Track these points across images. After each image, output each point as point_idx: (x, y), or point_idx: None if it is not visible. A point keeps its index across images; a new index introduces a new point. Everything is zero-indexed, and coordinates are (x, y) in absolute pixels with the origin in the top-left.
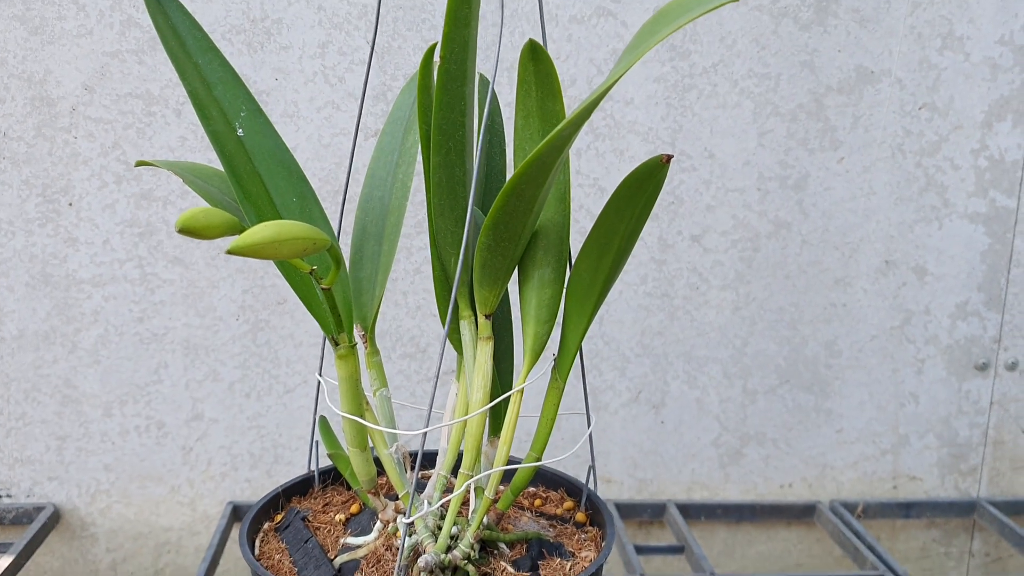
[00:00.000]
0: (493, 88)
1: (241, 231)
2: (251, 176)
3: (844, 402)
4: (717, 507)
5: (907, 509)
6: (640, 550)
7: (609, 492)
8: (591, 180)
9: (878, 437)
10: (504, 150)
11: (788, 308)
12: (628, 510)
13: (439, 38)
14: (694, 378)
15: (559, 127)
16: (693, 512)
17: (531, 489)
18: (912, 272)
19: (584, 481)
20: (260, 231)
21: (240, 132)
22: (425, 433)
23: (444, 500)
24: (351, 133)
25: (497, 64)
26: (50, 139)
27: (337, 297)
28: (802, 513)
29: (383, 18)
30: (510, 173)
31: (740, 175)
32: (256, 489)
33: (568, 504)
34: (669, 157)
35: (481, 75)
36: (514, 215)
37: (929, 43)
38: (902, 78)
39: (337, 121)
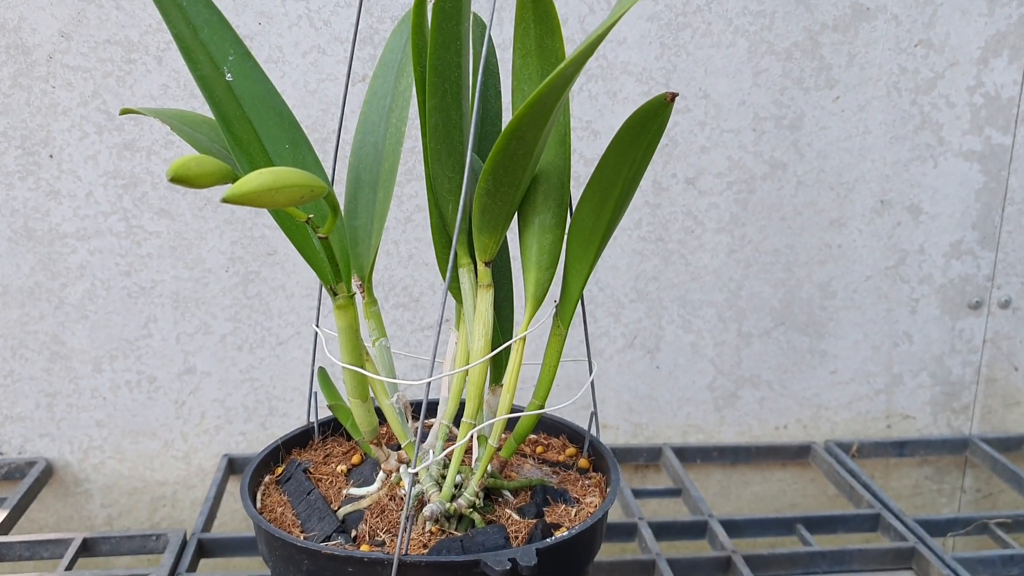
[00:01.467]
0: (490, 27)
1: (234, 179)
2: (241, 122)
3: (838, 343)
4: (712, 450)
5: (900, 448)
6: (637, 494)
7: (605, 437)
8: (584, 123)
9: (872, 377)
10: (499, 92)
11: (783, 250)
12: (624, 454)
13: None
14: (689, 322)
15: (562, 65)
16: (689, 455)
17: (532, 436)
18: (907, 211)
19: (586, 427)
20: (255, 179)
21: (229, 77)
22: (429, 383)
23: (448, 450)
24: (338, 78)
25: (494, 7)
26: (27, 89)
27: (335, 246)
28: (797, 454)
29: None
30: (506, 116)
31: (735, 115)
32: (251, 442)
33: (570, 451)
34: (673, 95)
35: (474, 15)
36: (514, 159)
37: None
38: (898, 14)
39: (323, 66)
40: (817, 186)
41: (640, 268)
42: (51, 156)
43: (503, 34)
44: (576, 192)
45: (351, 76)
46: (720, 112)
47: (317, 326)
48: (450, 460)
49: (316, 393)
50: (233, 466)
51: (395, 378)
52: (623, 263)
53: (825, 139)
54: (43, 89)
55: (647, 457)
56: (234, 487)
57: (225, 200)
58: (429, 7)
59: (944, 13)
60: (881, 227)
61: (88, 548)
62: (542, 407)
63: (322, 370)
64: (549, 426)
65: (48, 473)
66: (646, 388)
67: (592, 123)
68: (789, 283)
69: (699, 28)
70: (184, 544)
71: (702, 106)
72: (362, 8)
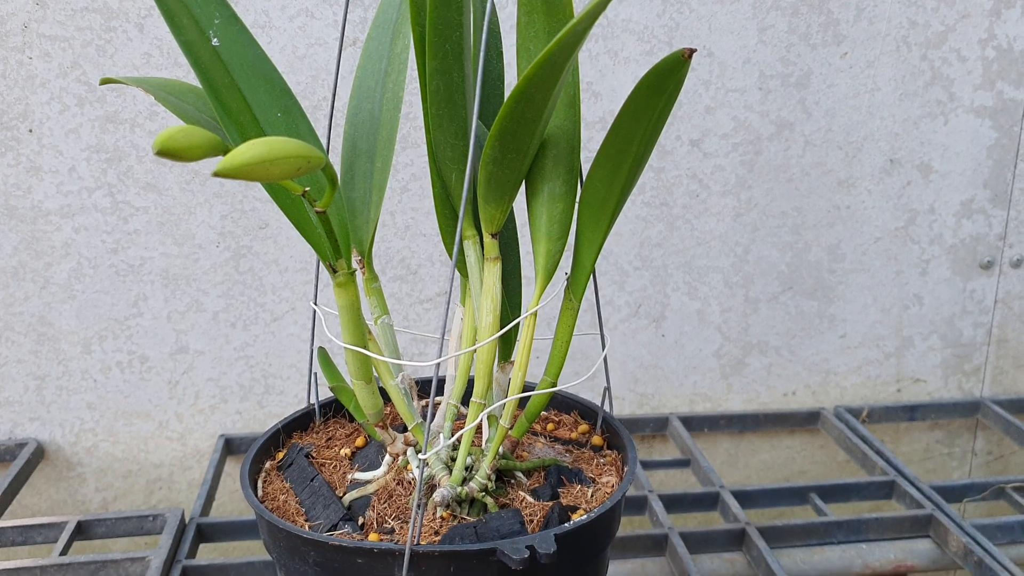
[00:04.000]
0: None
1: (225, 151)
2: (230, 90)
3: (847, 307)
4: (720, 418)
5: (911, 412)
6: (645, 465)
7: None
8: (584, 85)
9: (882, 341)
10: (500, 52)
11: (790, 212)
12: (630, 425)
13: None
14: (695, 289)
15: (576, 19)
16: (696, 424)
17: (543, 413)
18: (917, 170)
19: (599, 403)
20: (249, 150)
21: (215, 42)
22: (438, 364)
23: (458, 434)
24: (327, 43)
25: None
26: (2, 60)
27: (333, 220)
28: (806, 420)
29: None
30: (508, 77)
31: (740, 74)
32: (247, 421)
33: (583, 427)
34: (691, 51)
35: None
36: (522, 123)
37: None
38: None
39: (312, 30)
40: (825, 146)
41: (644, 234)
42: (30, 131)
43: None
44: (581, 159)
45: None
46: (725, 71)
47: (315, 303)
48: (459, 442)
49: (316, 374)
50: (230, 446)
51: (399, 357)
52: (626, 229)
53: (833, 97)
54: (19, 60)
55: (653, 427)
56: (231, 468)
57: (216, 174)
58: None
59: None
60: (890, 187)
61: (83, 531)
62: (555, 385)
63: (323, 351)
64: (559, 402)
65: (39, 455)
66: (651, 357)
67: (593, 84)
68: (797, 246)
69: None
70: (183, 526)
71: (706, 65)
72: None
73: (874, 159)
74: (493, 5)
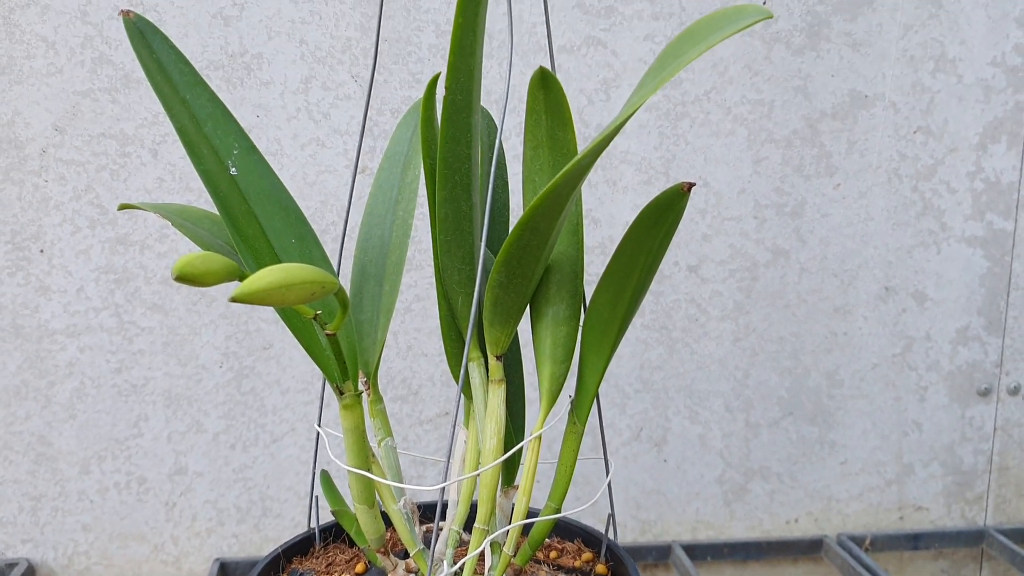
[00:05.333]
0: (503, 118)
1: (241, 277)
2: (247, 217)
3: (847, 432)
4: (723, 546)
5: (915, 540)
6: None
7: None
8: (584, 211)
9: (882, 467)
10: (506, 182)
11: (789, 338)
12: (632, 553)
13: (426, 71)
14: (696, 413)
15: (578, 156)
16: (699, 552)
17: (546, 540)
18: (912, 298)
19: (603, 531)
20: (266, 276)
21: (233, 171)
22: (443, 489)
23: (460, 562)
24: (337, 170)
25: (508, 93)
26: (19, 183)
27: (342, 343)
28: (809, 548)
29: (367, 52)
30: (514, 207)
31: (736, 203)
32: (244, 544)
33: (587, 555)
34: (690, 185)
35: (481, 107)
36: (528, 250)
37: (922, 66)
38: (896, 102)
39: (322, 158)
40: (820, 273)
41: (644, 357)
42: (42, 251)
43: (507, 121)
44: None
45: (351, 168)
46: (721, 200)
47: (319, 425)
48: (462, 570)
49: (317, 497)
50: (225, 570)
51: (402, 481)
52: (627, 352)
53: (827, 226)
54: (35, 183)
55: (656, 555)
56: None
57: (234, 299)
58: (439, 100)
59: (941, 100)
60: (886, 314)
61: None
62: (559, 511)
63: (325, 474)
64: (562, 529)
65: (30, 573)
66: (653, 482)
67: (592, 211)
68: (796, 371)
69: (698, 117)
70: None
71: (702, 194)
72: (359, 102)
73: (869, 286)
74: (501, 143)
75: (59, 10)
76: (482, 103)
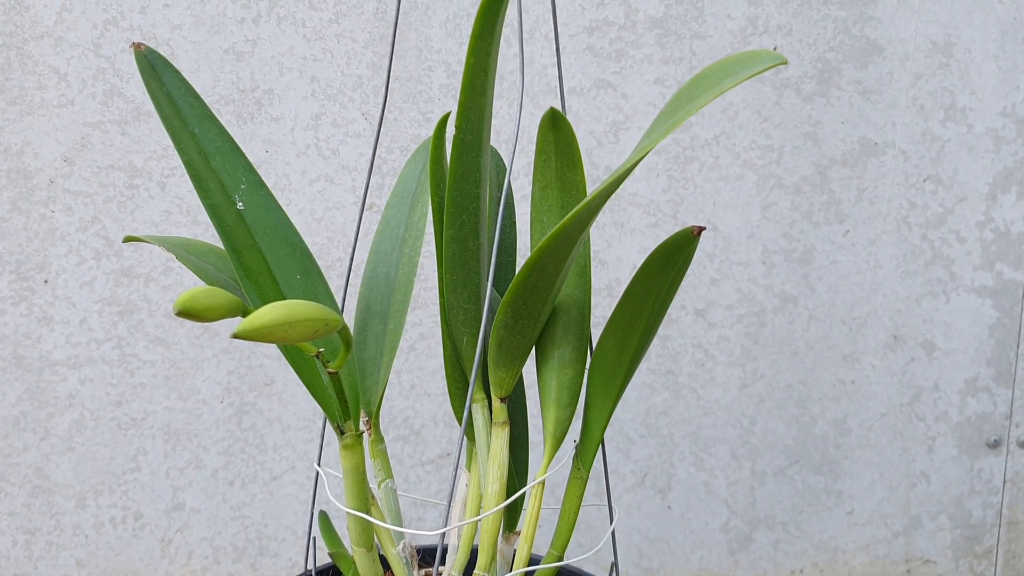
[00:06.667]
0: (513, 158)
1: (245, 312)
2: (252, 252)
3: (854, 483)
4: None
5: None
6: None
7: None
8: (591, 253)
9: (889, 519)
10: (514, 222)
11: (796, 385)
12: None
13: (436, 110)
14: (701, 460)
15: (588, 198)
16: None
17: None
18: (920, 347)
19: None
20: (269, 312)
21: (240, 205)
22: (444, 533)
23: None
24: (345, 207)
25: (518, 135)
26: (26, 213)
27: (344, 381)
28: None
29: (378, 90)
30: (521, 247)
31: (744, 248)
32: None
33: None
34: (700, 229)
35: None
36: (535, 291)
37: (932, 115)
38: (906, 150)
39: (330, 195)
40: (829, 320)
41: (650, 402)
42: (46, 281)
43: (516, 161)
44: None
45: (359, 205)
46: (729, 245)
47: (319, 465)
48: None
49: (315, 538)
50: None
51: (401, 524)
52: (632, 396)
53: (836, 273)
54: (42, 214)
55: None
56: None
57: (236, 335)
58: (448, 139)
59: (951, 149)
60: (894, 363)
61: None
62: (561, 558)
63: (323, 515)
64: None
65: None
66: (657, 530)
67: (599, 253)
68: (803, 420)
69: (707, 161)
70: None
71: (710, 238)
72: (369, 140)
73: (878, 335)
74: (509, 183)
75: (72, 43)
76: (491, 143)
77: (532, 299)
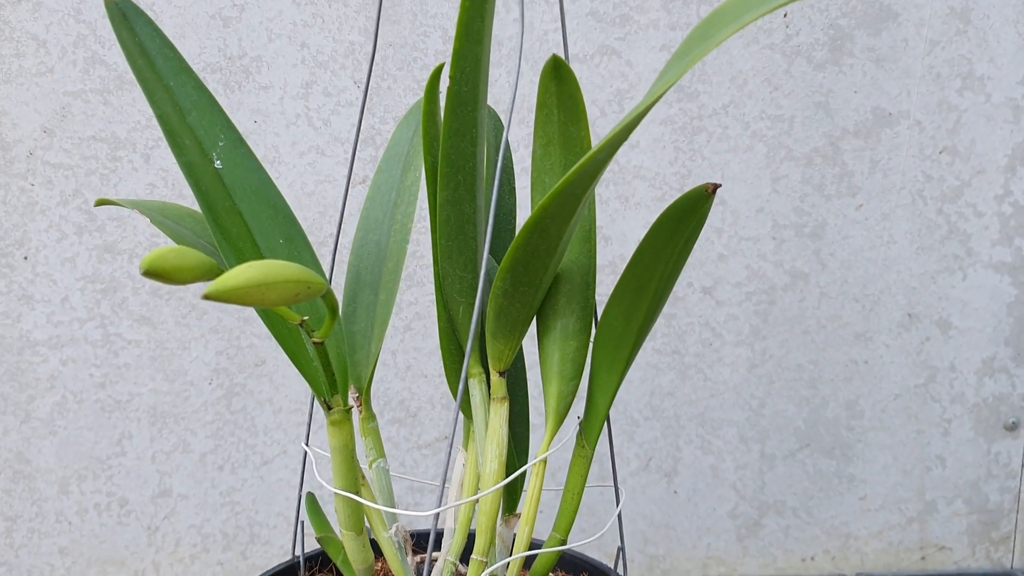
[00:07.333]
0: (511, 110)
1: (219, 275)
2: (231, 214)
3: (867, 467)
4: None
5: None
6: None
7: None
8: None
9: (904, 504)
10: (513, 188)
11: (807, 365)
12: None
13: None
14: (708, 443)
15: (595, 149)
16: None
17: (549, 574)
18: (936, 326)
19: (612, 566)
20: (244, 272)
21: (218, 164)
22: (438, 514)
23: None
24: (336, 180)
25: (516, 89)
26: (4, 186)
27: (331, 353)
28: None
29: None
30: (520, 214)
31: (753, 223)
32: (229, 572)
33: None
34: (715, 187)
35: (488, 107)
36: (536, 255)
37: (949, 84)
38: (921, 120)
39: (321, 167)
40: (841, 298)
41: (655, 383)
42: (25, 258)
43: (515, 132)
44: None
45: (352, 178)
46: (738, 219)
47: (307, 444)
48: None
49: (303, 522)
50: None
51: (394, 506)
52: (636, 377)
53: (848, 249)
54: (21, 187)
55: None
56: None
57: (207, 296)
58: (443, 92)
59: (968, 120)
60: (909, 342)
61: None
62: (564, 542)
63: (311, 496)
64: (567, 563)
65: None
66: (663, 516)
67: (603, 228)
68: (814, 401)
69: (715, 132)
70: None
71: (719, 212)
72: (365, 107)
73: (892, 313)
74: (507, 142)
75: (52, 8)
76: (512, 95)
77: (533, 264)
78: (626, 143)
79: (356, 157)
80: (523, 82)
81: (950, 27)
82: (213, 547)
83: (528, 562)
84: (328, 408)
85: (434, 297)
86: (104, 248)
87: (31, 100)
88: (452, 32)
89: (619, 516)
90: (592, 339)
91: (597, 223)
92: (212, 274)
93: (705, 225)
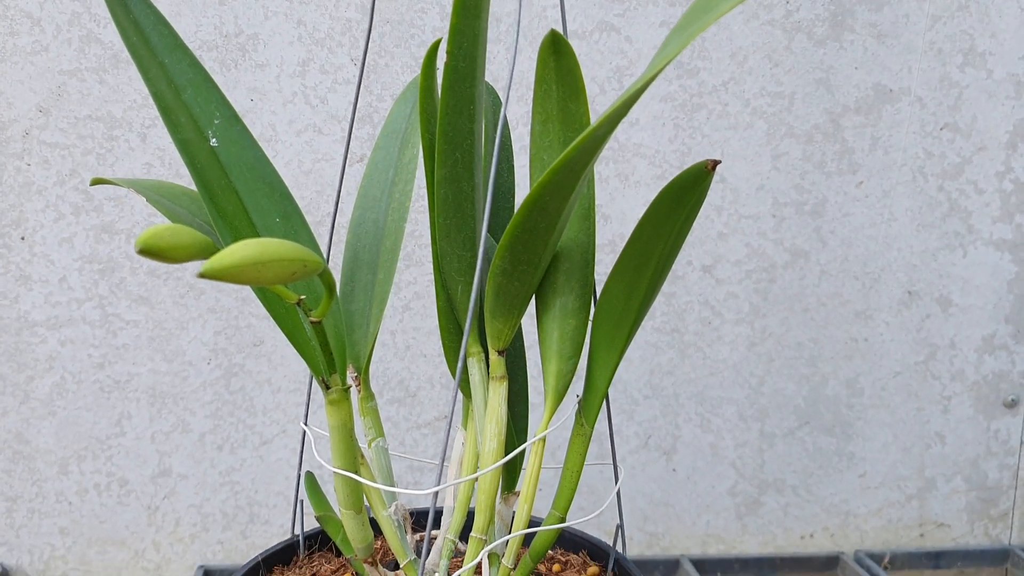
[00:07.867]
0: (509, 86)
1: (215, 253)
2: (226, 192)
3: (867, 444)
4: (734, 561)
5: (936, 558)
6: None
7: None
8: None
9: (903, 481)
10: (512, 166)
11: (807, 343)
12: (639, 567)
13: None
14: (707, 421)
15: (594, 125)
16: (709, 567)
17: (548, 552)
18: (936, 303)
19: (611, 543)
20: (240, 250)
21: (213, 142)
22: (436, 492)
23: (456, 573)
24: (334, 159)
25: (513, 65)
26: (0, 166)
27: (328, 332)
28: (825, 565)
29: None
30: (519, 192)
31: (753, 200)
32: (229, 552)
33: (592, 569)
34: (715, 163)
35: (487, 84)
36: (535, 233)
37: (950, 59)
38: (922, 96)
39: (319, 146)
40: (841, 276)
41: (654, 361)
42: (23, 238)
43: (513, 110)
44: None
45: (348, 155)
46: (738, 197)
47: (305, 423)
48: None
49: (302, 501)
50: None
51: (393, 485)
52: (636, 356)
53: (849, 226)
54: (17, 167)
55: (664, 570)
56: None
57: (202, 275)
58: (440, 68)
59: (970, 96)
60: (909, 320)
61: None
62: (563, 520)
63: (310, 476)
64: (566, 540)
65: None
66: (662, 494)
67: (603, 207)
68: (814, 379)
69: (715, 109)
70: None
71: (719, 190)
72: (362, 85)
73: (892, 291)
74: (505, 118)
75: None
76: (510, 70)
77: (532, 242)
78: (625, 120)
79: (353, 135)
80: (521, 59)
81: (952, 2)
82: (213, 526)
83: (527, 540)
84: (326, 388)
85: (432, 276)
86: (101, 228)
87: (26, 79)
88: (449, 8)
89: (618, 494)
90: (591, 317)
91: (596, 201)
92: (208, 252)
93: (705, 203)
